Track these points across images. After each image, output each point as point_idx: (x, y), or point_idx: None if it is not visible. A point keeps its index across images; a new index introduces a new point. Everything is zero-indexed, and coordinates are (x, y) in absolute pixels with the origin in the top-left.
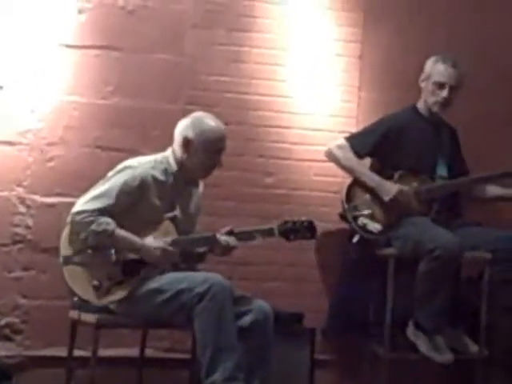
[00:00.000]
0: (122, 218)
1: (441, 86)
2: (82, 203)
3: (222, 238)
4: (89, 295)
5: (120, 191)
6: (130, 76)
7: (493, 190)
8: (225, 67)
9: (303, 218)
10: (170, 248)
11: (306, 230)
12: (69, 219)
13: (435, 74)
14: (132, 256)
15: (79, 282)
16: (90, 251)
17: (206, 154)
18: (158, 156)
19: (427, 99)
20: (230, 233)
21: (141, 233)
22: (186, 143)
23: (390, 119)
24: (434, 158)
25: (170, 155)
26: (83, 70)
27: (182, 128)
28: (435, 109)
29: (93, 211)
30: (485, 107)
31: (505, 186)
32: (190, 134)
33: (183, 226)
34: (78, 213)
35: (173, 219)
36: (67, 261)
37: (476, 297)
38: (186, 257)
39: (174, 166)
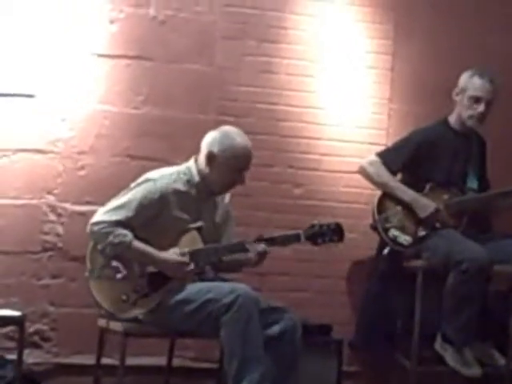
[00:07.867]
0: (144, 230)
1: (477, 100)
2: (101, 213)
3: (252, 244)
4: (116, 309)
5: (139, 204)
6: (160, 86)
7: None
8: (255, 78)
9: (330, 221)
10: (185, 260)
11: (334, 232)
12: (88, 229)
13: (471, 88)
14: (153, 269)
15: (106, 296)
16: (114, 264)
17: (228, 171)
18: (182, 167)
19: (462, 113)
20: (259, 240)
21: (165, 245)
22: (210, 157)
23: (420, 134)
24: (465, 170)
25: (192, 165)
26: (114, 79)
27: (209, 141)
28: (470, 123)
29: (110, 222)
30: None
31: None
32: (215, 149)
33: (209, 236)
34: (96, 223)
35: (199, 229)
36: (93, 275)
37: (505, 310)
38: (215, 266)
39: (196, 177)
